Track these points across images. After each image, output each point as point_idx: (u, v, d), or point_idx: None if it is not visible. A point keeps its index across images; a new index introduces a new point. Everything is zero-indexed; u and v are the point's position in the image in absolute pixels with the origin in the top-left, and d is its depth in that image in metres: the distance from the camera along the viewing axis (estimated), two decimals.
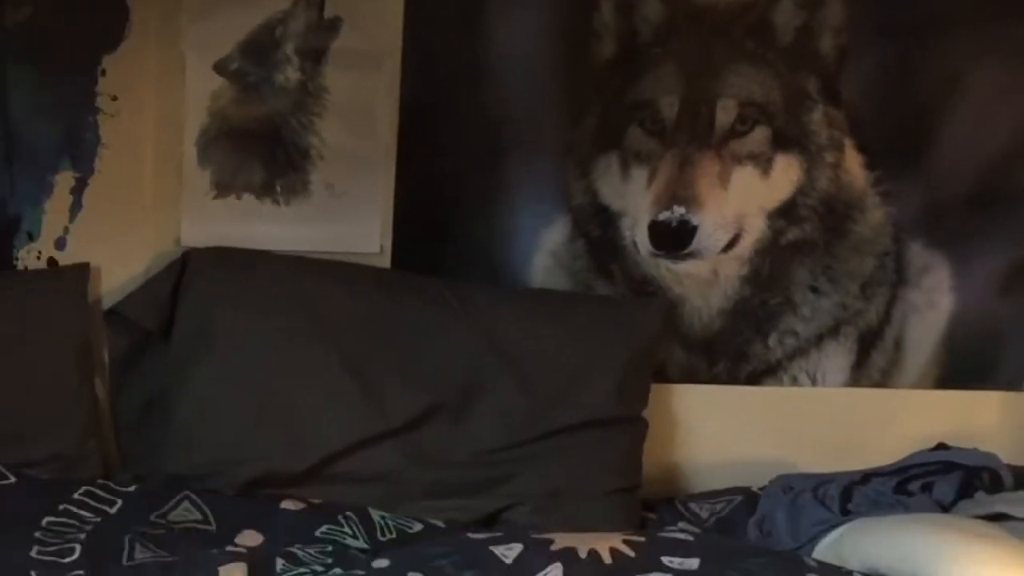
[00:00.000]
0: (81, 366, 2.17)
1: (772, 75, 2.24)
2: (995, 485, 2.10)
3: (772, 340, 2.39)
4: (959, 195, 2.33)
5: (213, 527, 1.96)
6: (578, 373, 2.17)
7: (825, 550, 1.95)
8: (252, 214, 2.25)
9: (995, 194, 2.34)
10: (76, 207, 2.18)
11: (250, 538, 1.90)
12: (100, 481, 2.07)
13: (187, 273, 2.18)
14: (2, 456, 2.04)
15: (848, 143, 2.28)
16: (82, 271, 2.22)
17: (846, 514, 2.05)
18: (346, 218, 2.29)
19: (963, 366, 2.42)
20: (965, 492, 2.10)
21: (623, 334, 2.24)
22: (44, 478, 2.06)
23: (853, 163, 2.30)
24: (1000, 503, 2.00)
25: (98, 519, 1.93)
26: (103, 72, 2.14)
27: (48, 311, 2.17)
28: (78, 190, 2.18)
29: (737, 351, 2.39)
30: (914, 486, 2.10)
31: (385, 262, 2.29)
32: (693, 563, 1.80)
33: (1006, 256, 2.35)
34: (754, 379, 2.39)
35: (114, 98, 2.14)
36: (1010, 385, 2.43)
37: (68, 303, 2.18)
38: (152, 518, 1.95)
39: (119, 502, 1.99)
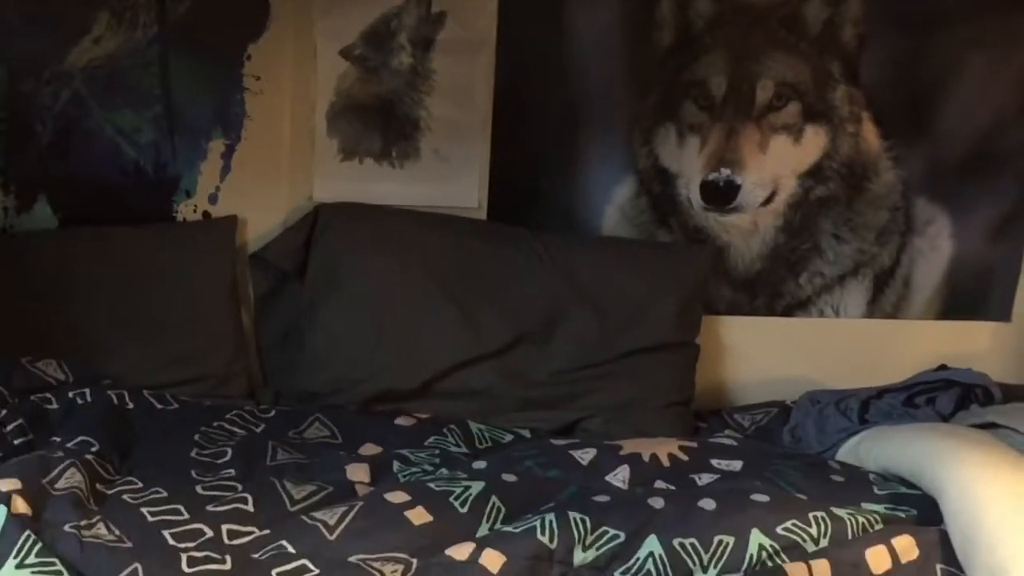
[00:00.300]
0: (230, 301, 2.36)
1: (802, 60, 2.43)
2: (987, 399, 2.24)
3: (802, 279, 2.56)
4: (957, 158, 2.50)
5: (340, 441, 2.11)
6: (642, 306, 2.34)
7: (846, 453, 2.11)
8: (372, 175, 2.42)
9: (986, 158, 2.50)
10: (226, 169, 2.38)
11: (370, 449, 2.04)
12: (248, 407, 2.22)
13: (318, 224, 2.37)
14: (171, 373, 2.25)
15: (865, 116, 2.47)
16: (231, 222, 2.39)
17: (863, 423, 2.20)
18: (449, 178, 2.46)
19: (960, 300, 2.59)
20: (962, 405, 2.23)
21: (679, 274, 2.42)
22: (204, 403, 2.22)
23: (869, 132, 2.48)
24: (991, 414, 2.12)
25: (245, 433, 2.09)
26: (248, 57, 2.34)
27: (203, 255, 2.35)
28: (227, 155, 2.38)
29: (773, 288, 2.56)
30: (920, 400, 2.26)
31: (482, 215, 2.47)
32: (736, 465, 1.98)
33: (996, 208, 2.52)
34: (788, 312, 2.57)
35: (257, 78, 2.35)
36: (1000, 316, 2.60)
37: (220, 248, 2.37)
38: (290, 434, 2.11)
39: (263, 424, 2.15)
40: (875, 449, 2.04)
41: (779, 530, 1.70)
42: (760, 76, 2.43)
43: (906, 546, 1.69)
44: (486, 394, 2.29)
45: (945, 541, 1.70)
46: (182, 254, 2.33)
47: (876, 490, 1.89)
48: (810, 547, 1.71)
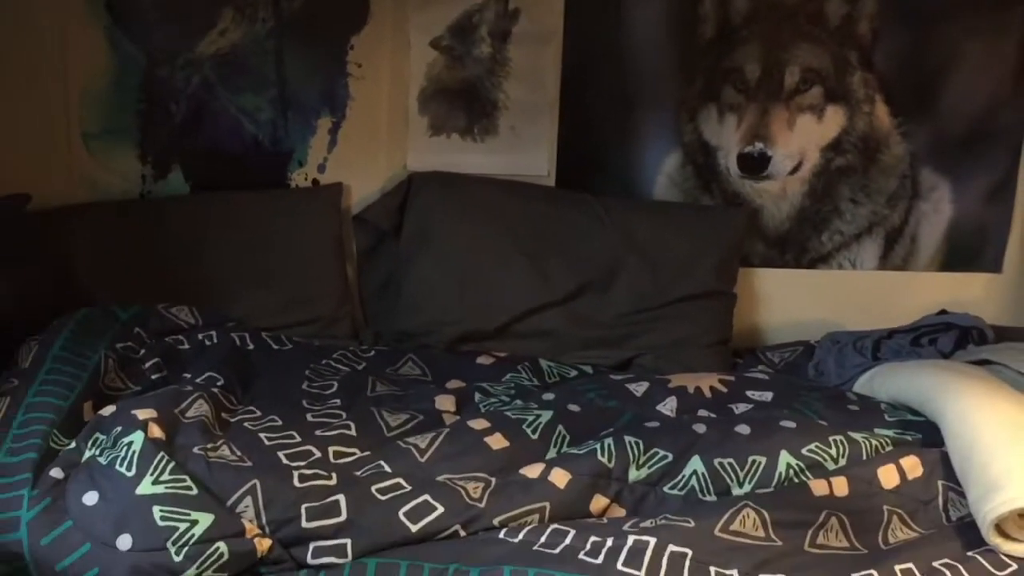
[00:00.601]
0: (337, 256, 2.50)
1: (825, 49, 2.54)
2: (981, 340, 2.34)
3: (824, 237, 2.67)
4: (957, 134, 2.61)
5: (430, 377, 2.24)
6: (688, 260, 2.46)
7: (861, 386, 2.21)
8: (457, 148, 2.55)
9: (982, 133, 2.61)
10: (332, 143, 2.53)
11: (456, 384, 2.15)
12: (351, 347, 2.35)
13: (411, 190, 2.51)
14: (285, 317, 2.40)
15: (878, 97, 2.58)
16: (337, 188, 2.54)
17: (876, 360, 2.30)
18: (523, 151, 2.56)
19: (959, 255, 2.69)
20: (960, 344, 2.33)
21: (719, 233, 2.53)
22: (314, 344, 2.34)
23: (881, 111, 2.59)
24: (985, 352, 2.20)
25: (348, 369, 2.22)
26: (352, 47, 2.49)
27: (314, 216, 2.49)
28: (334, 131, 2.53)
29: (800, 245, 2.67)
30: (924, 340, 2.36)
31: (551, 182, 2.58)
32: (768, 396, 2.10)
33: (990, 176, 2.63)
34: (812, 264, 2.67)
35: (359, 65, 2.50)
36: (992, 268, 2.70)
37: (328, 211, 2.51)
38: (387, 371, 2.24)
39: (364, 362, 2.29)
40: (886, 382, 2.13)
41: (804, 451, 1.80)
42: (788, 63, 2.54)
43: (912, 465, 1.77)
44: (554, 335, 2.41)
45: (946, 461, 1.77)
46: (295, 216, 2.48)
47: (887, 417, 1.99)
48: (830, 466, 1.79)
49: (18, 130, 2.42)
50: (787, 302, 2.69)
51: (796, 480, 1.76)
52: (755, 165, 2.60)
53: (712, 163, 2.62)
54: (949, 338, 2.35)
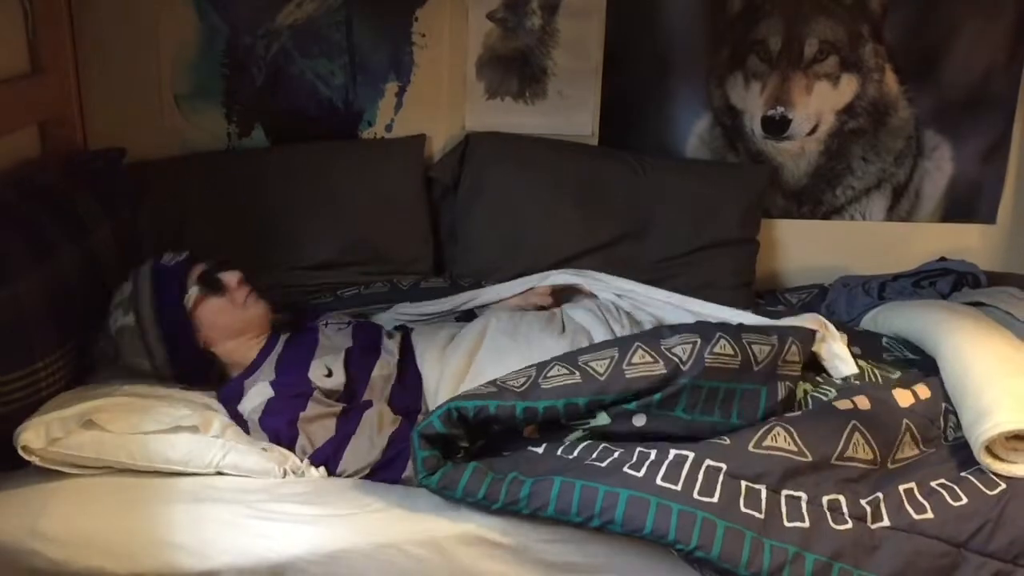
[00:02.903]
0: (419, 200, 2.58)
1: (840, 23, 2.62)
2: (975, 284, 2.44)
3: (838, 191, 2.76)
4: (957, 99, 2.70)
5: None
6: (716, 211, 2.57)
7: (867, 322, 2.27)
8: (510, 110, 2.65)
9: (978, 99, 2.70)
10: (398, 105, 2.64)
11: None
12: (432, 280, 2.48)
13: (468, 148, 2.60)
14: (376, 254, 2.51)
15: (887, 66, 2.66)
16: (420, 139, 2.61)
17: (881, 300, 2.39)
18: (570, 113, 2.63)
19: (957, 208, 2.80)
20: (956, 288, 2.43)
21: (744, 186, 2.64)
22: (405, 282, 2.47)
23: (890, 79, 2.67)
24: (978, 295, 2.29)
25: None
26: (416, 19, 2.59)
27: (399, 164, 2.57)
28: (400, 94, 2.64)
29: (816, 198, 2.76)
30: (924, 283, 2.46)
31: (594, 141, 2.67)
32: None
33: (986, 138, 2.73)
34: (827, 216, 2.78)
35: (423, 35, 2.60)
36: (987, 219, 2.80)
37: (412, 159, 2.59)
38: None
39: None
40: (889, 318, 2.18)
41: (818, 377, 1.86)
42: (807, 35, 2.61)
43: (922, 388, 1.83)
44: None
45: (944, 388, 1.82)
46: (384, 164, 2.56)
47: (885, 356, 2.02)
48: (840, 385, 1.82)
49: (116, 92, 2.53)
50: (804, 250, 2.77)
51: (813, 401, 1.79)
52: (777, 127, 2.68)
53: (738, 125, 2.69)
54: (947, 282, 2.43)
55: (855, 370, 1.88)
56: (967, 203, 2.81)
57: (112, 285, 2.03)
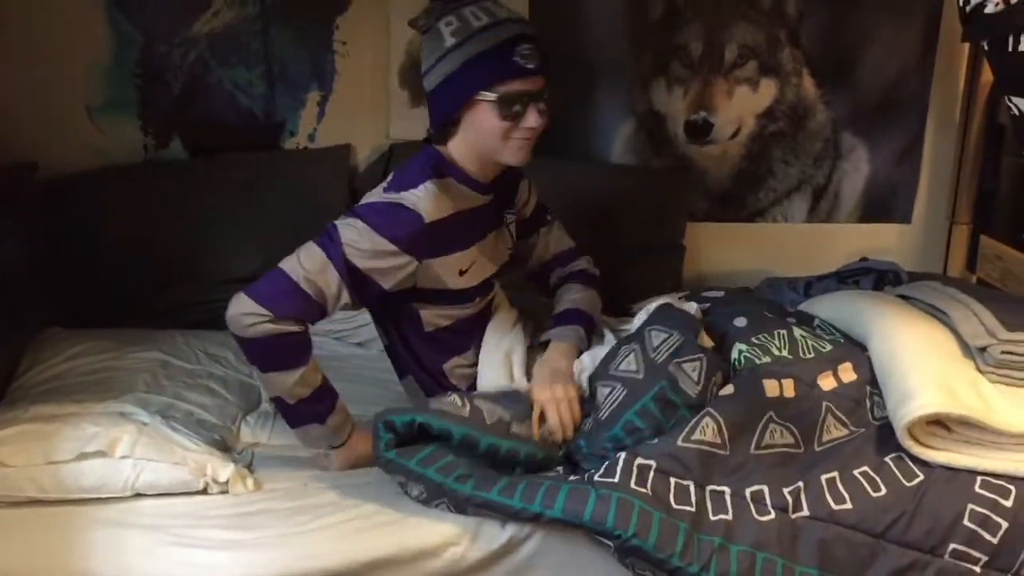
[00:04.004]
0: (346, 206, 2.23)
1: (759, 28, 2.67)
2: (896, 281, 2.32)
3: (760, 194, 2.80)
4: (872, 102, 2.75)
5: None
6: (642, 216, 2.58)
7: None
8: None
9: (892, 102, 2.76)
10: (321, 115, 2.59)
11: None
12: None
13: (393, 158, 2.55)
14: None
15: (804, 71, 2.71)
16: (343, 149, 2.57)
17: (808, 297, 2.30)
18: None
19: (874, 209, 2.85)
20: (878, 286, 2.33)
21: (667, 193, 2.67)
22: None
23: (807, 83, 2.73)
24: (901, 290, 2.17)
25: None
26: (337, 27, 2.54)
27: (317, 178, 2.52)
28: (322, 103, 2.59)
29: (739, 201, 2.80)
30: (849, 282, 2.37)
31: None
32: (719, 293, 2.18)
33: (900, 139, 2.79)
34: (750, 219, 2.82)
35: (344, 43, 2.55)
36: (903, 219, 2.86)
37: (338, 168, 2.57)
38: None
39: None
40: (818, 310, 2.15)
41: (753, 339, 1.86)
42: (727, 41, 2.64)
43: (847, 369, 1.82)
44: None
45: (871, 369, 1.82)
46: (305, 176, 2.51)
47: (818, 331, 1.99)
48: (775, 354, 1.83)
49: (25, 104, 2.42)
50: (728, 253, 2.80)
51: (746, 366, 1.79)
52: (699, 131, 2.71)
53: (662, 130, 2.71)
54: (869, 280, 2.37)
55: None
56: (884, 204, 2.86)
57: (21, 303, 1.94)
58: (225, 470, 1.63)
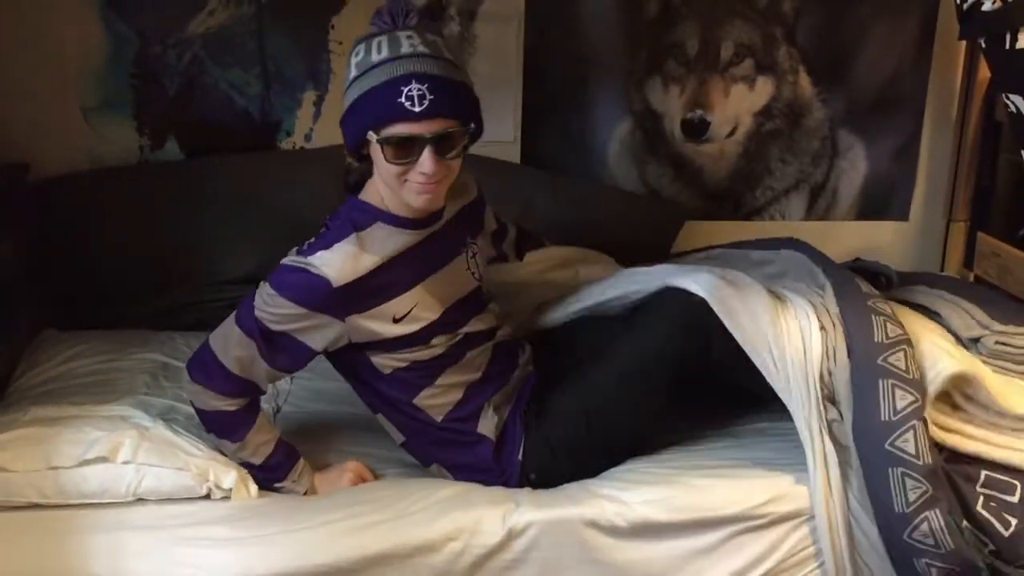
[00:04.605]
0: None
1: (755, 26, 2.67)
2: (888, 284, 2.28)
3: (757, 192, 2.80)
4: (868, 100, 2.76)
5: None
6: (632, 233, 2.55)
7: None
8: None
9: (888, 100, 2.76)
10: (317, 114, 2.57)
11: None
12: None
13: None
14: None
15: (801, 68, 2.71)
16: (338, 149, 2.22)
17: None
18: (490, 118, 2.04)
19: (872, 206, 2.85)
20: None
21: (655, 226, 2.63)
22: None
23: (804, 81, 2.73)
24: (891, 293, 2.15)
25: None
26: (332, 27, 2.53)
27: (312, 178, 2.48)
28: (318, 103, 2.56)
29: (736, 199, 2.80)
30: None
31: (517, 146, 2.63)
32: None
33: (897, 137, 2.79)
34: (747, 217, 2.81)
35: (340, 43, 2.53)
36: (900, 217, 2.86)
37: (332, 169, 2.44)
38: None
39: None
40: None
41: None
42: (723, 39, 2.64)
43: None
44: None
45: None
46: (300, 176, 2.49)
47: None
48: None
49: (19, 106, 2.41)
50: None
51: None
52: (696, 130, 2.71)
53: (659, 129, 2.70)
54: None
55: None
56: (881, 201, 2.87)
57: (16, 305, 1.92)
58: (228, 476, 1.62)
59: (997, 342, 1.86)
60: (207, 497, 1.63)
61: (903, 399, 1.66)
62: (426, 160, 1.58)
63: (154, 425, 1.71)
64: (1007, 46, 1.97)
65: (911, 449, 1.63)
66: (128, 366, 2.02)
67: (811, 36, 2.71)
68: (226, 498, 1.64)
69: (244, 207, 2.45)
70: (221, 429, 1.67)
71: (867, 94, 2.77)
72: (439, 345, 1.73)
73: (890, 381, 1.68)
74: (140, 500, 1.62)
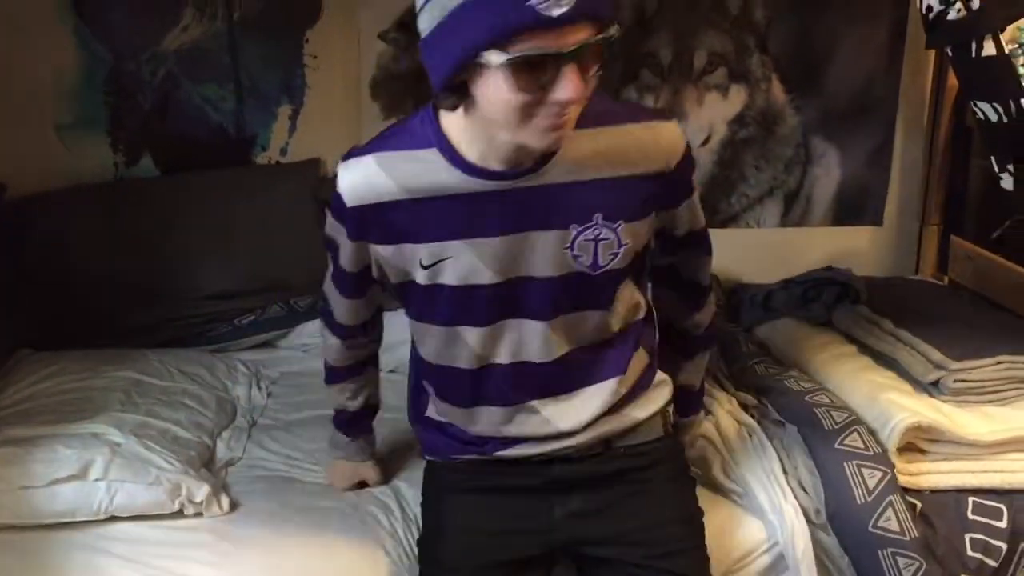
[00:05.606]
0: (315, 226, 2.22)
1: (727, 35, 2.68)
2: (856, 298, 2.36)
3: (733, 199, 2.80)
4: (840, 107, 2.76)
5: None
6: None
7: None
8: None
9: (860, 106, 2.77)
10: (292, 128, 2.59)
11: None
12: None
13: None
14: (275, 280, 2.40)
15: (774, 76, 2.73)
16: (312, 163, 2.59)
17: (767, 311, 2.43)
18: None
19: (846, 212, 2.86)
20: (840, 299, 2.37)
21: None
22: None
23: (777, 89, 2.75)
24: (852, 328, 2.24)
25: None
26: (307, 40, 2.55)
27: (286, 193, 2.51)
28: (293, 117, 2.60)
29: (711, 206, 2.76)
30: (812, 293, 2.43)
31: None
32: None
33: (869, 143, 2.80)
34: (723, 224, 2.80)
35: (314, 57, 2.56)
36: (874, 222, 2.87)
37: (306, 183, 2.55)
38: None
39: None
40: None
41: None
42: (696, 48, 2.65)
43: None
44: None
45: None
46: (274, 191, 2.51)
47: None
48: None
49: None
50: None
51: None
52: None
53: None
54: (832, 292, 2.42)
55: None
56: (855, 207, 2.88)
57: None
58: (200, 490, 1.61)
59: (956, 380, 1.90)
60: (180, 512, 1.62)
61: (872, 476, 1.69)
62: (569, 82, 1.15)
63: (126, 441, 1.71)
64: (973, 54, 1.99)
65: (895, 527, 1.65)
66: (102, 384, 2.00)
67: (783, 44, 2.73)
68: (199, 514, 1.62)
69: (220, 222, 2.46)
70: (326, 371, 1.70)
71: (839, 101, 2.78)
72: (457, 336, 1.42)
73: (854, 462, 1.71)
74: (113, 518, 1.60)
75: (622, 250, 1.36)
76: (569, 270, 1.35)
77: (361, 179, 1.34)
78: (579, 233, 1.34)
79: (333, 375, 1.68)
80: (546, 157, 1.29)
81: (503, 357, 1.40)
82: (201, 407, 1.99)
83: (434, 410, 1.53)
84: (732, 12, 2.70)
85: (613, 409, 1.45)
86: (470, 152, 1.30)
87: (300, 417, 2.05)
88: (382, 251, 1.39)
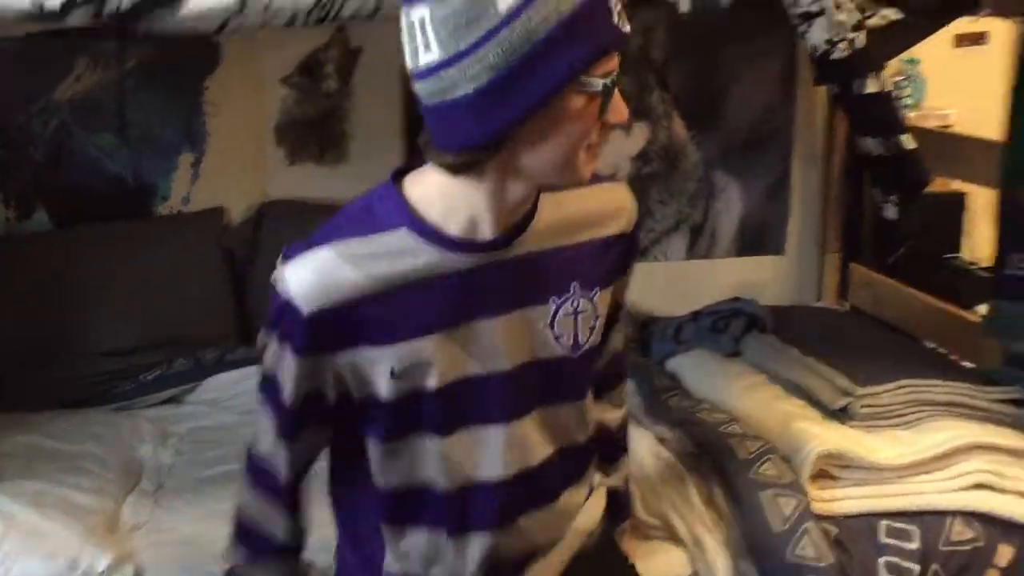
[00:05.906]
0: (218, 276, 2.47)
1: (627, 74, 2.45)
2: (763, 328, 2.40)
3: (640, 234, 2.71)
4: (740, 141, 2.82)
5: None
6: None
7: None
8: (312, 174, 2.61)
9: (757, 140, 2.83)
10: (195, 176, 2.56)
11: None
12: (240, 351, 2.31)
13: (264, 217, 2.56)
14: (179, 333, 2.35)
15: (674, 113, 2.77)
16: (215, 212, 2.55)
17: (679, 343, 2.42)
18: (372, 175, 2.29)
19: (749, 243, 2.91)
20: (748, 329, 2.39)
21: None
22: None
23: (678, 125, 2.78)
24: (761, 357, 2.25)
25: None
26: (207, 87, 2.53)
27: (188, 244, 2.49)
28: (196, 165, 2.56)
29: None
30: (720, 325, 2.44)
31: None
32: None
33: (769, 176, 2.87)
34: None
35: (215, 104, 2.54)
36: (776, 251, 2.92)
37: (209, 233, 2.53)
38: None
39: None
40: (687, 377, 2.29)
41: None
42: None
43: None
44: None
45: None
46: (175, 242, 2.47)
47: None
48: None
49: None
50: None
51: None
52: None
53: None
54: (740, 324, 2.44)
55: None
56: (758, 237, 2.94)
57: None
58: (100, 560, 1.54)
59: (863, 406, 1.94)
60: None
61: (788, 504, 1.71)
62: (621, 103, 1.09)
63: (22, 512, 1.62)
64: (855, 91, 2.07)
65: (812, 553, 1.67)
66: (2, 451, 1.92)
67: (682, 81, 2.78)
68: None
69: (117, 275, 2.41)
70: None
71: (738, 135, 2.83)
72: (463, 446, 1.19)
73: (769, 491, 1.73)
74: None
75: (598, 323, 1.21)
76: (550, 354, 1.18)
77: (321, 276, 1.09)
78: (559, 307, 1.18)
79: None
80: (521, 226, 1.14)
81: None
82: (103, 470, 1.91)
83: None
84: (630, 50, 2.73)
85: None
86: (449, 224, 1.11)
87: (210, 474, 1.98)
88: (343, 360, 1.13)
